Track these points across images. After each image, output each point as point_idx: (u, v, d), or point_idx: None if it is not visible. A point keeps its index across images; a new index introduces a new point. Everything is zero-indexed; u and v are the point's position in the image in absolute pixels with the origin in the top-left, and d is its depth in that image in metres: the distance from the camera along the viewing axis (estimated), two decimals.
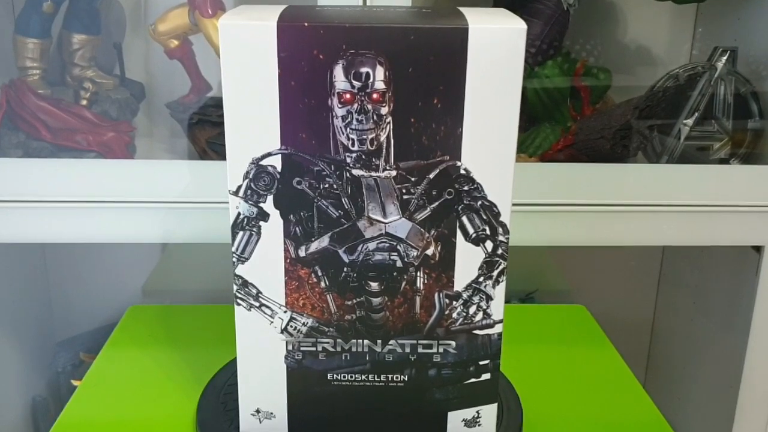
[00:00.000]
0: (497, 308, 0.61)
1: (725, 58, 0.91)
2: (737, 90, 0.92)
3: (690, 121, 0.90)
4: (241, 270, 0.59)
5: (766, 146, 0.92)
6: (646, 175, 0.84)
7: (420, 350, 0.62)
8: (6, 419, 1.06)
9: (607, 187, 0.83)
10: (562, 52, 0.94)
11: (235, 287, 0.60)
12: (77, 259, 1.16)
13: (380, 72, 0.53)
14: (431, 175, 0.56)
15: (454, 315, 0.61)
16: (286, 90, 0.54)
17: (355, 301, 0.60)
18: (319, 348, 0.62)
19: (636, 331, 1.24)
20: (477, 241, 0.59)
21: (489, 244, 0.59)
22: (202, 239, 0.82)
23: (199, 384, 0.76)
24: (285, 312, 0.61)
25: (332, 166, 0.56)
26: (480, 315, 0.61)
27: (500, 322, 0.61)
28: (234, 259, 0.59)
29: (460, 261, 0.59)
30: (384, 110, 0.54)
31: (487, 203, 0.57)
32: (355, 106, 0.54)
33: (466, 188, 0.57)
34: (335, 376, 0.63)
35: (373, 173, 0.56)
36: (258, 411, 0.64)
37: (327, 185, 0.57)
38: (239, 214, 0.58)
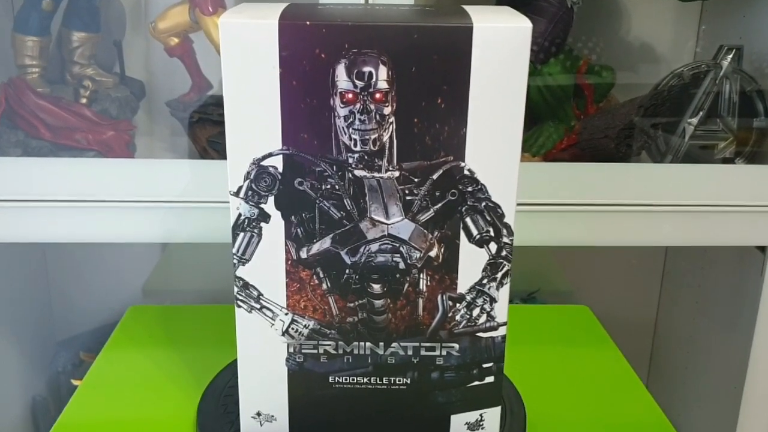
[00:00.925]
0: (501, 311, 0.60)
1: (731, 56, 0.90)
2: (742, 88, 0.91)
3: (695, 120, 0.89)
4: (241, 272, 0.59)
5: None
6: (650, 174, 0.84)
7: (423, 353, 0.61)
8: (6, 419, 1.06)
9: (611, 187, 0.83)
10: (565, 50, 0.93)
11: (235, 289, 0.59)
12: (78, 258, 1.16)
13: (383, 71, 0.53)
14: (435, 176, 0.56)
15: (458, 317, 0.60)
16: (288, 89, 0.53)
17: (357, 303, 0.60)
18: (321, 350, 0.61)
19: (638, 331, 1.24)
20: (481, 242, 0.58)
21: (493, 246, 0.58)
22: (202, 239, 0.81)
23: (200, 385, 0.75)
24: (286, 314, 0.60)
25: (334, 167, 0.55)
26: (484, 317, 0.60)
27: (504, 324, 0.61)
28: (235, 261, 0.59)
29: (464, 263, 0.59)
30: (387, 110, 0.54)
31: (492, 204, 0.57)
32: (358, 105, 0.53)
33: (470, 189, 0.56)
34: (337, 378, 0.62)
35: (375, 174, 0.56)
36: (259, 414, 0.64)
37: (329, 186, 0.56)
38: (240, 215, 0.57)
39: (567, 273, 1.21)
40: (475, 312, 0.60)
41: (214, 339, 0.85)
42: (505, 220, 0.58)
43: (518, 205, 0.58)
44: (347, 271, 0.58)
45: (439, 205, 0.57)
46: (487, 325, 0.61)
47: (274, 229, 0.58)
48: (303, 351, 0.61)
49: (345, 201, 0.56)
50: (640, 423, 0.76)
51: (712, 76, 0.90)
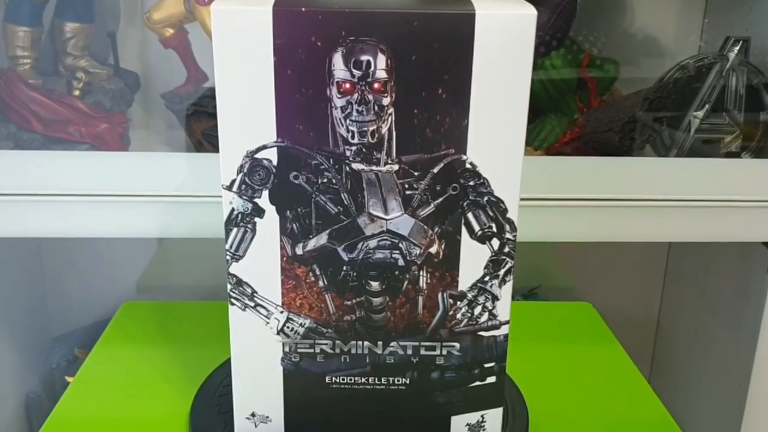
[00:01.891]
0: (503, 309, 0.59)
1: (737, 48, 0.90)
2: (749, 81, 0.90)
3: (700, 114, 0.88)
4: (235, 268, 0.58)
5: None
6: (654, 169, 0.83)
7: (422, 352, 0.60)
8: (0, 416, 1.05)
9: (615, 182, 0.82)
10: (568, 42, 0.93)
11: (229, 286, 0.58)
12: (73, 253, 1.15)
13: (382, 60, 0.51)
14: (435, 170, 0.55)
15: (459, 316, 0.59)
16: (283, 79, 0.52)
17: (354, 301, 0.59)
18: (317, 350, 0.60)
19: (641, 328, 1.23)
20: (483, 238, 0.57)
21: (495, 242, 0.57)
22: (198, 234, 0.80)
23: (194, 384, 0.74)
24: (281, 312, 0.59)
25: (331, 160, 0.54)
26: (485, 316, 0.59)
27: (506, 323, 0.60)
28: (228, 257, 0.57)
29: (465, 259, 0.58)
30: (386, 101, 0.53)
31: (494, 199, 0.56)
32: (355, 96, 0.52)
33: (471, 183, 0.55)
34: (334, 379, 0.61)
35: (374, 167, 0.55)
36: (253, 415, 0.63)
37: (325, 180, 0.55)
38: (233, 209, 0.56)
39: (568, 268, 1.21)
40: (477, 310, 0.59)
41: (209, 336, 0.85)
42: (508, 215, 0.56)
43: (520, 200, 0.57)
44: (344, 267, 0.57)
45: (440, 199, 0.56)
46: (489, 323, 0.60)
47: (269, 225, 0.56)
48: (299, 350, 0.60)
49: (342, 195, 0.55)
50: (644, 423, 0.75)
51: (719, 69, 0.89)
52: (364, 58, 0.51)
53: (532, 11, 0.51)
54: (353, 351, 0.60)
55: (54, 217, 0.80)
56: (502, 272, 0.58)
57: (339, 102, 0.52)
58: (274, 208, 0.56)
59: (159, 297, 1.15)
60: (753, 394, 0.93)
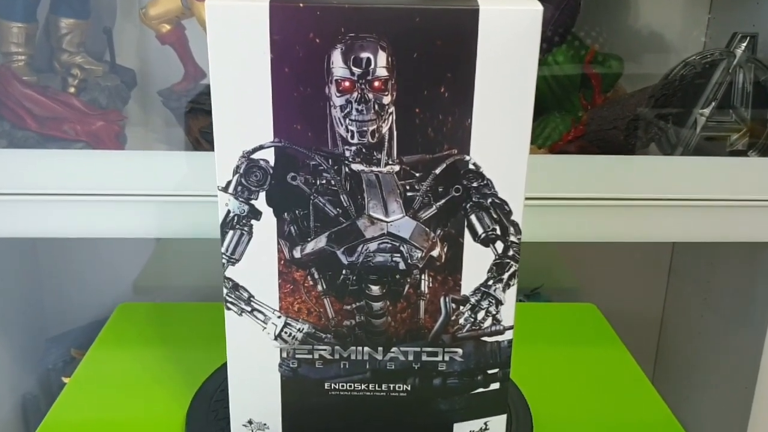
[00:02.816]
0: (508, 313, 0.58)
1: (744, 44, 0.88)
2: (756, 78, 0.88)
3: (706, 111, 0.87)
4: (231, 272, 0.57)
5: None
6: (660, 167, 0.82)
7: (424, 358, 0.60)
8: None
9: (620, 181, 0.81)
10: (571, 38, 0.92)
11: (225, 290, 0.58)
12: (70, 253, 1.15)
13: (382, 58, 0.50)
14: (437, 171, 0.54)
15: (461, 321, 0.58)
16: (280, 77, 0.51)
17: (354, 305, 0.58)
18: (316, 356, 0.59)
19: (644, 327, 1.23)
20: (486, 241, 0.56)
21: (499, 245, 0.56)
22: (196, 234, 0.80)
23: (190, 389, 0.74)
24: (279, 317, 0.58)
25: (330, 161, 0.53)
26: (489, 321, 0.59)
27: (511, 328, 0.59)
28: (224, 261, 0.57)
29: (468, 263, 0.57)
30: (386, 99, 0.52)
31: (498, 201, 0.55)
32: (355, 95, 0.51)
33: (475, 184, 0.54)
34: (333, 385, 0.60)
35: (374, 168, 0.54)
36: (250, 422, 0.62)
37: (324, 181, 0.54)
38: (229, 211, 0.55)
39: (571, 267, 1.20)
40: (480, 315, 0.58)
41: (206, 339, 0.84)
42: (513, 217, 0.56)
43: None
44: (344, 271, 0.57)
45: (442, 201, 0.55)
46: (493, 328, 0.59)
47: (266, 227, 0.55)
48: (297, 356, 0.59)
49: (341, 197, 0.54)
50: (649, 427, 0.74)
51: (725, 65, 0.88)
52: (364, 55, 0.50)
53: (538, 7, 0.50)
54: (353, 357, 0.59)
55: (49, 217, 0.79)
56: (506, 276, 0.57)
57: (338, 101, 0.52)
58: (271, 210, 0.55)
59: (157, 297, 1.14)
60: (760, 396, 0.93)
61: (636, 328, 1.15)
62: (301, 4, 0.49)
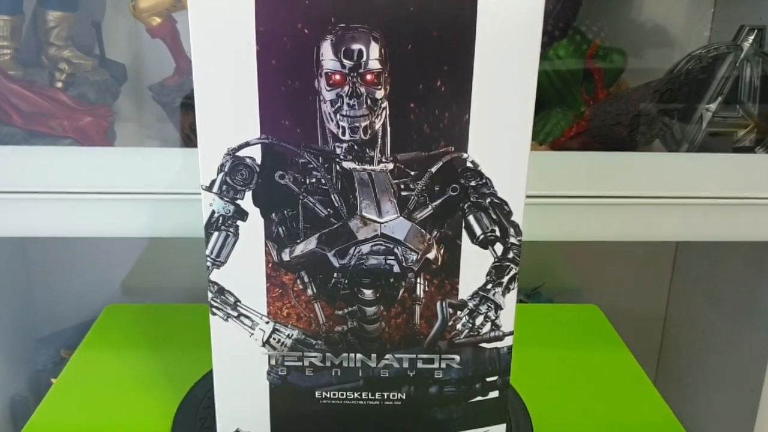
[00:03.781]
0: (507, 319, 0.57)
1: (752, 37, 0.88)
2: (764, 72, 0.88)
3: (713, 106, 0.86)
4: (216, 276, 0.56)
5: None
6: (665, 164, 0.81)
7: (420, 365, 0.58)
8: None
9: (623, 178, 0.80)
10: (573, 31, 0.91)
11: (210, 295, 0.56)
12: (60, 252, 1.14)
13: (375, 49, 0.49)
14: (433, 169, 0.53)
15: (459, 326, 0.57)
16: (266, 70, 0.50)
17: (346, 310, 0.57)
18: (306, 363, 0.58)
19: (646, 327, 1.22)
20: (485, 243, 0.55)
21: (499, 247, 0.55)
22: (189, 233, 0.79)
23: (177, 395, 0.73)
24: (267, 323, 0.57)
25: (320, 158, 0.52)
26: (488, 326, 0.58)
27: (511, 334, 0.58)
28: (208, 264, 0.55)
29: (466, 266, 0.56)
30: (379, 94, 0.50)
31: (497, 201, 0.54)
32: (346, 88, 0.50)
33: (473, 184, 0.53)
34: (324, 394, 0.59)
35: (366, 166, 0.52)
36: (238, 431, 0.60)
37: (314, 180, 0.53)
38: (213, 212, 0.54)
39: (572, 265, 1.20)
40: (479, 320, 0.57)
41: (195, 342, 0.83)
42: (513, 218, 0.55)
43: None
44: (335, 275, 0.55)
45: (439, 201, 0.54)
46: (492, 334, 0.58)
47: (253, 228, 0.54)
48: (286, 363, 0.58)
49: (332, 197, 0.53)
50: None
51: (732, 59, 0.87)
52: (356, 46, 0.49)
53: None
54: (345, 364, 0.58)
55: (35, 216, 0.78)
56: (505, 279, 0.56)
57: (328, 95, 0.50)
58: (258, 210, 0.54)
59: (149, 298, 1.14)
60: (766, 398, 0.93)
61: (638, 327, 1.16)
62: None
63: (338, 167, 0.52)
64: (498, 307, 0.57)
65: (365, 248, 0.54)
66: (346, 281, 0.56)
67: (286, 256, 0.55)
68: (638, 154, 0.83)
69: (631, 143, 0.84)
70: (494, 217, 0.54)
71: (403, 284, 0.56)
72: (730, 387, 1.01)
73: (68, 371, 0.80)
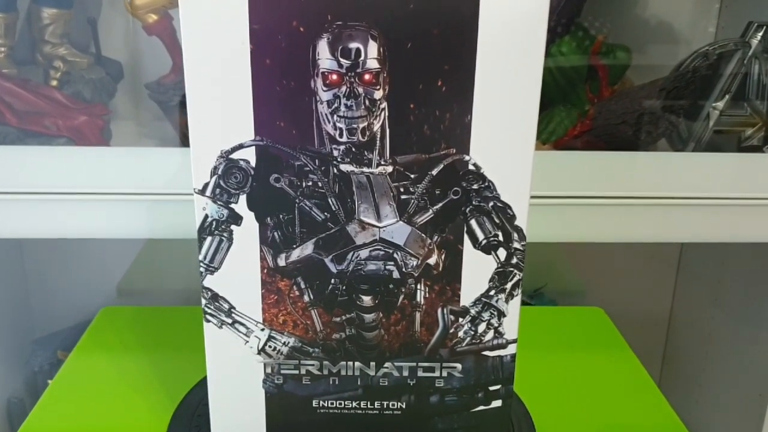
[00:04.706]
0: (510, 326, 0.57)
1: (760, 34, 0.86)
2: None
3: (720, 104, 0.85)
4: (210, 281, 0.55)
5: None
6: (671, 164, 0.80)
7: (420, 374, 0.58)
8: None
9: (628, 178, 0.79)
10: (576, 28, 0.90)
11: (203, 301, 0.56)
12: (57, 252, 1.13)
13: (373, 48, 0.48)
14: (434, 172, 0.52)
15: (461, 334, 0.56)
16: (260, 70, 0.49)
17: (344, 317, 0.56)
18: (303, 371, 0.58)
19: (651, 329, 1.22)
20: (488, 248, 0.54)
21: (502, 252, 0.55)
22: (187, 234, 0.78)
23: (172, 401, 0.72)
24: (262, 330, 0.56)
25: (316, 161, 0.51)
26: (491, 334, 0.57)
27: (514, 341, 0.57)
28: (202, 269, 0.55)
29: (468, 272, 0.55)
30: (378, 94, 0.50)
31: (500, 205, 0.53)
32: (343, 89, 0.50)
33: (475, 187, 0.52)
34: (321, 403, 0.59)
35: (365, 169, 0.52)
36: None
37: (310, 183, 0.52)
38: (207, 216, 0.54)
39: (575, 266, 1.19)
40: (481, 328, 0.56)
41: (191, 345, 0.80)
42: (516, 222, 0.54)
43: None
44: (332, 280, 0.55)
45: (440, 205, 0.53)
46: (495, 342, 0.57)
47: (247, 233, 0.54)
48: (282, 372, 0.58)
49: (329, 200, 0.53)
50: None
51: (740, 56, 0.86)
52: (353, 45, 0.48)
53: None
54: (343, 372, 0.58)
55: (29, 217, 0.77)
56: (509, 286, 0.55)
57: (325, 95, 0.50)
58: (252, 214, 0.53)
59: (146, 299, 1.14)
60: None
61: (643, 329, 1.18)
62: None
63: (335, 170, 0.52)
64: (501, 314, 0.56)
65: (364, 253, 0.54)
66: (344, 287, 0.55)
67: (281, 262, 0.54)
68: (643, 153, 0.83)
69: (637, 143, 0.83)
70: (497, 221, 0.53)
71: (403, 290, 0.55)
72: (736, 391, 1.00)
73: (60, 377, 0.79)
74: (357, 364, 0.57)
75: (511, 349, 0.57)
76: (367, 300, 0.55)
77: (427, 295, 0.55)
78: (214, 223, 0.53)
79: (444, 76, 0.49)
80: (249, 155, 0.51)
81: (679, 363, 1.19)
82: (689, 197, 0.79)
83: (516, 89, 0.50)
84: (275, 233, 0.53)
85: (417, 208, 0.53)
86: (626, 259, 1.18)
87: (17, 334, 1.12)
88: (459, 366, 0.57)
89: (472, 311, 0.56)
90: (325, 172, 0.52)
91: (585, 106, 0.89)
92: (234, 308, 0.56)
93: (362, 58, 0.49)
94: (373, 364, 0.57)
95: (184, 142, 0.86)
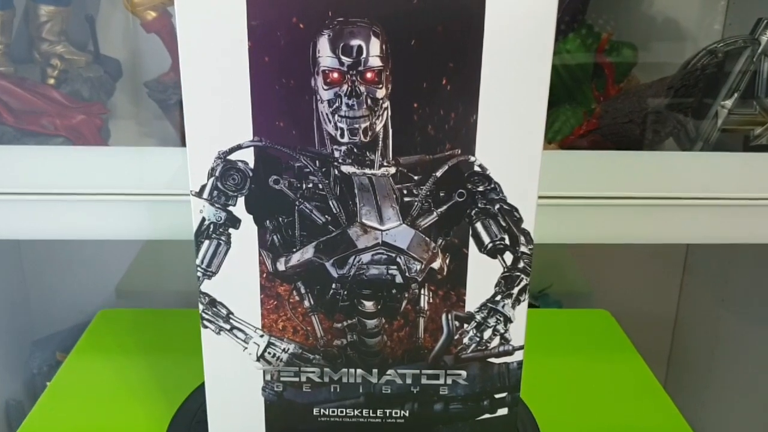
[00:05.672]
0: (517, 332, 0.56)
1: None
2: None
3: (729, 103, 0.84)
4: (207, 286, 0.54)
5: None
6: (678, 164, 0.80)
7: (424, 381, 0.57)
8: None
9: (635, 178, 0.78)
10: (581, 25, 0.89)
11: (201, 307, 0.55)
12: (56, 253, 1.13)
13: (375, 45, 0.48)
14: (438, 173, 0.51)
15: (466, 340, 0.56)
16: (259, 68, 0.48)
17: (345, 323, 0.55)
18: (303, 378, 0.57)
19: (656, 329, 1.22)
20: (494, 252, 0.54)
21: (508, 256, 0.54)
22: (187, 236, 0.76)
23: (171, 406, 0.71)
24: (261, 336, 0.55)
25: (317, 162, 0.51)
26: (497, 340, 0.56)
27: (521, 348, 0.56)
28: (199, 274, 0.54)
29: (473, 276, 0.54)
30: (380, 93, 0.49)
31: (507, 207, 0.52)
32: (345, 87, 0.49)
33: (480, 189, 0.52)
34: (322, 411, 0.58)
35: (367, 170, 0.51)
36: None
37: (311, 185, 0.51)
38: (204, 219, 0.53)
39: (580, 266, 1.19)
40: (487, 334, 0.56)
41: (190, 349, 0.79)
42: (523, 225, 0.53)
43: None
44: (334, 285, 0.54)
45: (444, 207, 0.52)
46: (501, 349, 0.56)
47: (246, 237, 0.53)
48: (282, 379, 0.57)
49: (330, 203, 0.52)
50: None
51: (749, 54, 0.85)
52: (355, 42, 0.48)
53: None
54: (344, 380, 0.57)
55: (26, 217, 0.76)
56: (515, 291, 0.55)
57: (325, 94, 0.49)
58: (251, 217, 0.53)
59: (144, 301, 1.14)
60: None
61: (648, 330, 1.16)
62: None
63: (336, 171, 0.51)
64: (507, 320, 0.55)
65: (366, 257, 0.53)
66: (346, 292, 0.54)
67: (281, 266, 0.53)
68: (650, 153, 0.82)
69: (644, 142, 0.83)
70: (503, 224, 0.53)
71: (406, 296, 0.54)
72: (743, 392, 1.00)
73: (60, 377, 0.78)
74: (359, 371, 0.57)
75: (518, 355, 0.56)
76: (369, 305, 0.55)
77: (431, 301, 0.55)
78: (211, 226, 0.52)
79: (449, 75, 0.48)
80: (247, 156, 0.50)
81: (685, 364, 1.19)
82: (697, 197, 0.78)
83: (523, 88, 0.49)
84: (274, 237, 0.53)
85: (421, 210, 0.52)
86: (632, 260, 1.18)
87: (16, 335, 1.12)
88: (464, 373, 0.57)
89: (478, 317, 0.55)
90: (325, 174, 0.51)
91: (591, 104, 0.88)
92: (232, 314, 0.55)
93: (364, 55, 0.48)
94: (375, 371, 0.56)
95: (184, 141, 0.86)
